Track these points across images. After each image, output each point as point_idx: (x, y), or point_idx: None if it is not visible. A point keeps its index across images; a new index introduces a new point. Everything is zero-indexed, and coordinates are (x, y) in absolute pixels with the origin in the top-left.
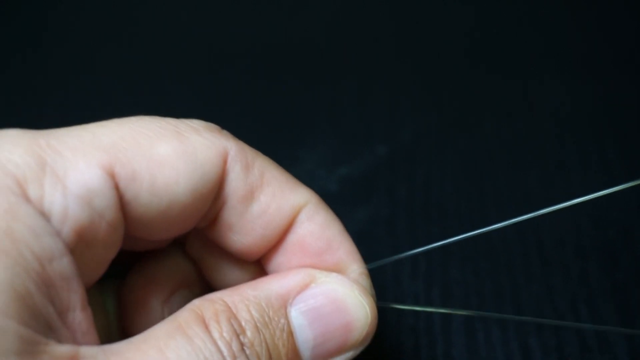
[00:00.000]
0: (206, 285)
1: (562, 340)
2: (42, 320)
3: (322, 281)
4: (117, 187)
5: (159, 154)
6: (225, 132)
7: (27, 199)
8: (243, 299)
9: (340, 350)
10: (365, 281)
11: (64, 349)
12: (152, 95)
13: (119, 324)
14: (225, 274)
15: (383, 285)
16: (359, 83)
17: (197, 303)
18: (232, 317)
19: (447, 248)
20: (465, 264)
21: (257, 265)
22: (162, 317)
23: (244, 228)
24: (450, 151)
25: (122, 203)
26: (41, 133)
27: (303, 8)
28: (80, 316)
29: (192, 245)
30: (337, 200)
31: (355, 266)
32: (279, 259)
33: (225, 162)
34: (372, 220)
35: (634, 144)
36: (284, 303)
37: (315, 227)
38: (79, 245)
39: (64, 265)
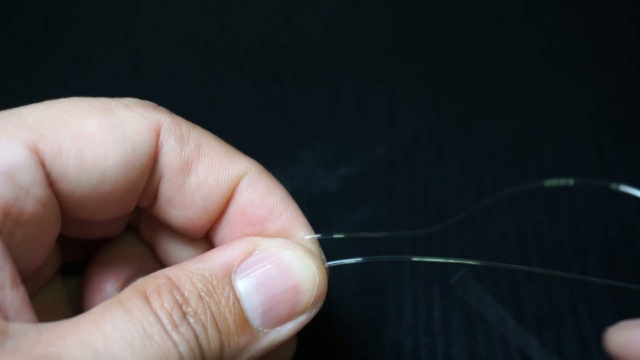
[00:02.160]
0: None
1: (562, 339)
2: None
3: (266, 247)
4: (43, 164)
5: (85, 129)
6: (161, 108)
7: None
8: (186, 272)
9: (291, 314)
10: (312, 245)
11: None
12: (152, 95)
13: None
14: (178, 255)
15: (383, 283)
16: (359, 83)
17: (140, 281)
18: (175, 288)
19: (447, 247)
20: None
21: (208, 243)
22: None
23: (184, 201)
24: (450, 151)
25: (50, 180)
26: None
27: (303, 8)
28: (11, 294)
29: (144, 229)
30: (337, 200)
31: (302, 233)
32: (223, 231)
33: (158, 135)
34: (372, 220)
35: (634, 144)
36: (228, 272)
37: (256, 196)
38: (7, 223)
39: None
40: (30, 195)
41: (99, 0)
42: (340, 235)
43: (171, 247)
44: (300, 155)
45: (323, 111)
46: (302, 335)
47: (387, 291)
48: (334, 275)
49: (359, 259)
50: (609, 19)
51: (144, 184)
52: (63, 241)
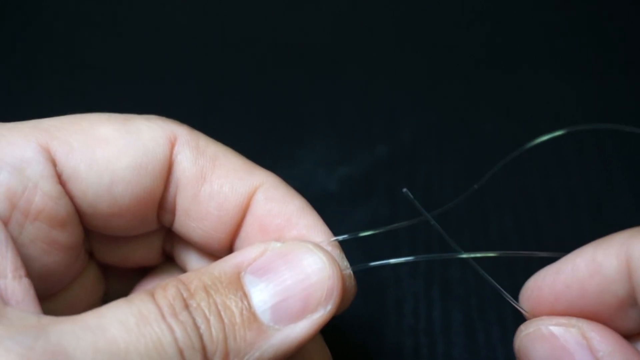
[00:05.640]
0: None
1: None
2: None
3: (277, 247)
4: (54, 162)
5: (99, 132)
6: (183, 124)
7: None
8: (197, 273)
9: (304, 310)
10: (334, 250)
11: None
12: (152, 95)
13: None
14: None
15: (383, 284)
16: (359, 83)
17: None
18: (181, 284)
19: (446, 246)
20: (466, 264)
21: None
22: None
23: (199, 212)
24: (450, 151)
25: (62, 180)
26: None
27: (303, 8)
28: (12, 284)
29: (178, 256)
30: (337, 200)
31: (320, 238)
32: (243, 245)
33: (172, 144)
34: (372, 220)
35: (633, 145)
36: (238, 270)
37: (273, 205)
38: (16, 214)
39: None
40: (39, 188)
41: (98, 0)
42: (365, 233)
43: None
44: (300, 155)
45: (323, 111)
46: None
47: (387, 292)
48: None
49: (390, 261)
50: (610, 18)
51: (160, 192)
52: (106, 271)
